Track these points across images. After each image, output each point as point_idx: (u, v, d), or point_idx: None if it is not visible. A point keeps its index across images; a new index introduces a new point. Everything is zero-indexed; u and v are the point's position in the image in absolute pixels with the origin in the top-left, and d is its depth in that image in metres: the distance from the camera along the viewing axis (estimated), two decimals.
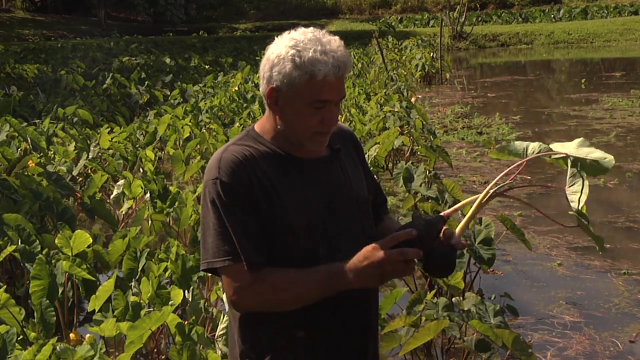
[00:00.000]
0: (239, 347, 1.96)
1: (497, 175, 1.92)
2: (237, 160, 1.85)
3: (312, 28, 1.89)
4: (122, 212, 6.72)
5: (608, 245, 6.06)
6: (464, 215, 1.93)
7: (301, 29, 1.88)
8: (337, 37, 1.89)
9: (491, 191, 1.91)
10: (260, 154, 1.89)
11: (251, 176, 1.85)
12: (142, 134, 10.33)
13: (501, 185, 1.92)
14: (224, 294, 2.43)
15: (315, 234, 1.88)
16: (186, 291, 4.09)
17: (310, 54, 1.81)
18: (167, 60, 22.93)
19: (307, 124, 1.86)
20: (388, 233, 1.94)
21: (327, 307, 1.86)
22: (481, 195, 1.91)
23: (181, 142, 9.56)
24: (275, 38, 1.89)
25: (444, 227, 1.85)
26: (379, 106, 11.39)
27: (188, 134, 9.80)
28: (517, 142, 2.06)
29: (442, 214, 1.89)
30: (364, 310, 1.98)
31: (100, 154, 8.47)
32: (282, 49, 1.84)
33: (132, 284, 4.24)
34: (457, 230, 1.90)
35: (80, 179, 7.58)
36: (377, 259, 1.76)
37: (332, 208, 1.92)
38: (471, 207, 1.91)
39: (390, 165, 8.79)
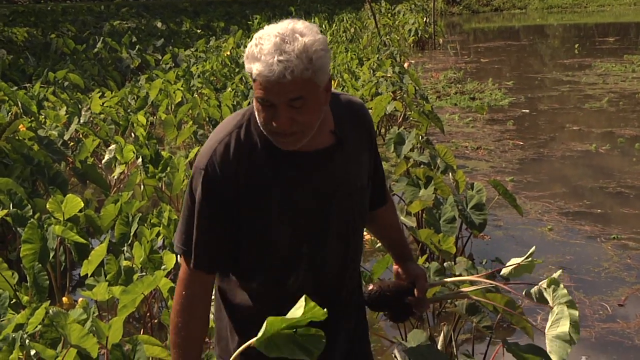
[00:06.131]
0: (217, 324, 2.01)
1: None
2: (228, 157, 1.76)
3: (301, 23, 1.69)
4: (114, 176, 6.70)
5: (599, 211, 6.10)
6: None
7: (285, 22, 1.69)
8: (311, 38, 1.65)
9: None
10: (256, 145, 1.79)
11: (239, 174, 1.76)
12: (134, 98, 10.27)
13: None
14: None
15: (299, 233, 1.82)
16: (179, 256, 4.10)
17: (254, 49, 1.66)
18: (159, 24, 22.71)
19: (261, 119, 1.73)
20: (384, 231, 2.21)
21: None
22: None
23: (173, 107, 9.52)
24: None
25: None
26: (371, 71, 11.34)
27: (180, 99, 9.76)
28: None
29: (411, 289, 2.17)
30: (333, 324, 1.84)
31: (91, 119, 8.43)
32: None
33: (125, 248, 4.25)
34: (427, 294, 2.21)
35: (72, 143, 7.55)
36: None
37: (321, 201, 1.83)
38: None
39: (383, 131, 8.78)
